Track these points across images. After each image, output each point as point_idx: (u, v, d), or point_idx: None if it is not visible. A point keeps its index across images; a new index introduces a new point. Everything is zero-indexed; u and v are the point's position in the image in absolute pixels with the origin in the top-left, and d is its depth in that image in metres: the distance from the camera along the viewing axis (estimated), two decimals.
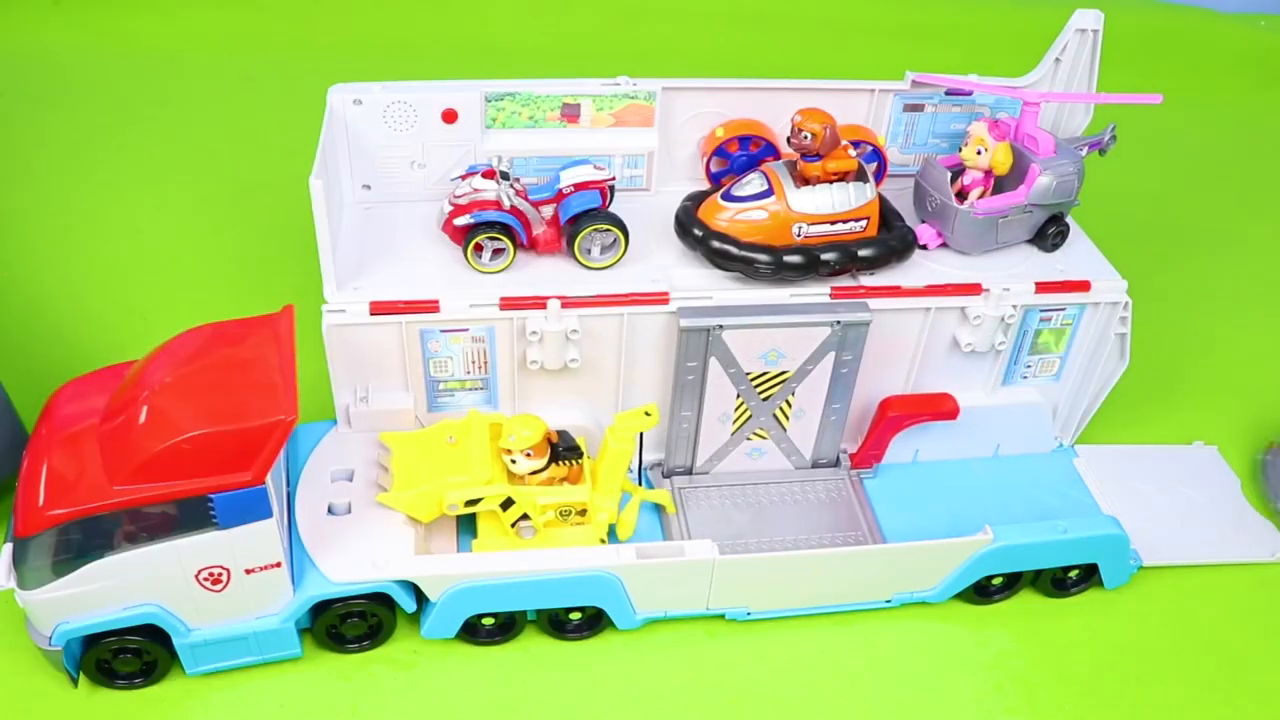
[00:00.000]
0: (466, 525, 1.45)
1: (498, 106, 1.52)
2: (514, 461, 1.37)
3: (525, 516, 1.40)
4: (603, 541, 1.42)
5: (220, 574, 1.24)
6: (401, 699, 1.34)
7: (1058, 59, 1.56)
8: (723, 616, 1.44)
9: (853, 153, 1.46)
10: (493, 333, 1.43)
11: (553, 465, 1.39)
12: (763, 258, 1.42)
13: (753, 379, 1.49)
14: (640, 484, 1.52)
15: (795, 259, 1.42)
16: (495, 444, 1.39)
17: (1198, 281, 2.16)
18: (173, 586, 1.24)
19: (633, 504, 1.46)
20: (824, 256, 1.43)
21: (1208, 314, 2.08)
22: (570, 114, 1.53)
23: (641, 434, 1.43)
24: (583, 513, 1.41)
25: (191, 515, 1.19)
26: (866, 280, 1.48)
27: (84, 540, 1.19)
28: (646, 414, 1.40)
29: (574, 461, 1.41)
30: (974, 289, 1.49)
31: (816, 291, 1.46)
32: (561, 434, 1.41)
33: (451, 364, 1.46)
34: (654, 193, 1.60)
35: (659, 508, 1.54)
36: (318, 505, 1.38)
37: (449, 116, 1.50)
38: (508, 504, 1.38)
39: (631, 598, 1.38)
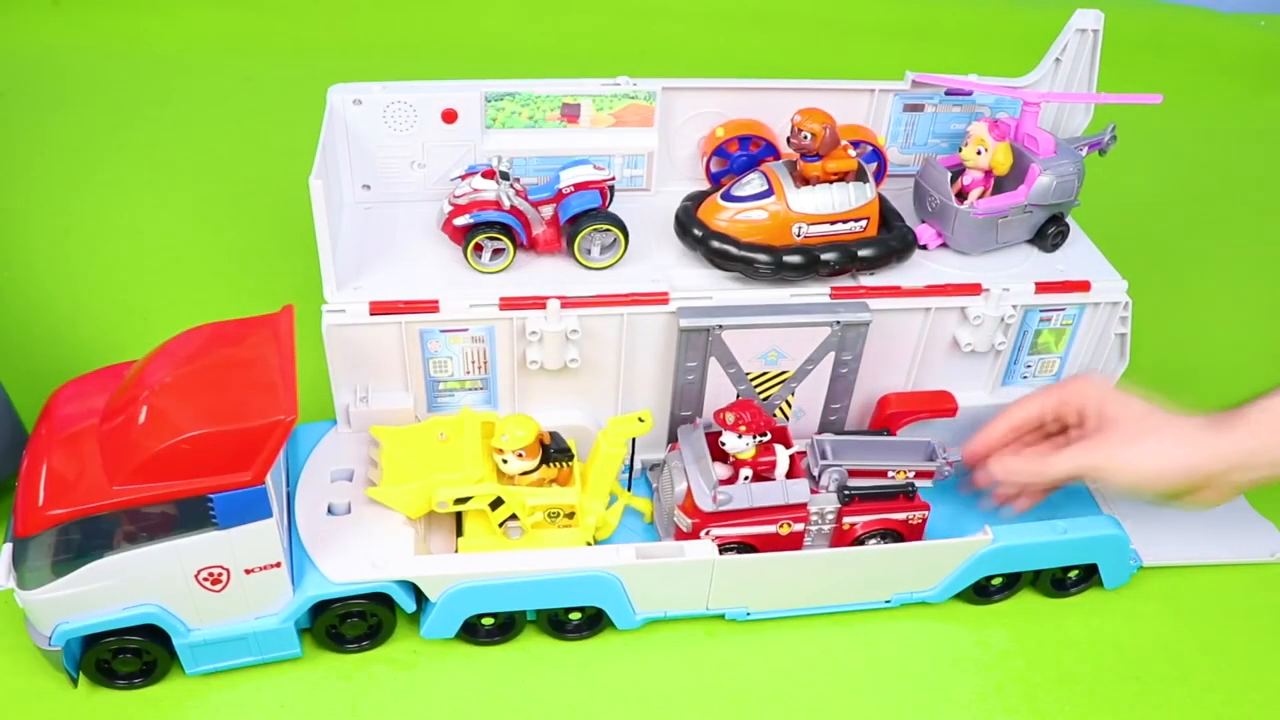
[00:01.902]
0: None
1: (498, 106, 1.52)
2: (505, 461, 1.37)
3: (513, 517, 1.39)
4: (589, 544, 1.41)
5: (220, 574, 1.24)
6: (401, 699, 1.34)
7: (1058, 59, 1.56)
8: (723, 616, 1.44)
9: (853, 153, 1.46)
10: (492, 333, 1.43)
11: (543, 467, 1.39)
12: (763, 258, 1.42)
13: (753, 379, 1.49)
14: (630, 488, 1.52)
15: (795, 259, 1.42)
16: (487, 442, 1.39)
17: (1198, 281, 2.16)
18: (173, 586, 1.24)
19: (616, 505, 1.46)
20: (824, 256, 1.43)
21: (1208, 314, 2.08)
22: (570, 114, 1.53)
23: (634, 439, 1.43)
24: (571, 515, 1.40)
25: (191, 515, 1.19)
26: (866, 280, 1.48)
27: (84, 540, 1.19)
28: (640, 420, 1.39)
29: (564, 464, 1.40)
30: (974, 289, 1.49)
31: (816, 291, 1.46)
32: (553, 435, 1.41)
33: (451, 364, 1.46)
34: (654, 193, 1.61)
35: None
36: (318, 505, 1.38)
37: (449, 116, 1.50)
38: (497, 503, 1.38)
39: (631, 598, 1.38)
